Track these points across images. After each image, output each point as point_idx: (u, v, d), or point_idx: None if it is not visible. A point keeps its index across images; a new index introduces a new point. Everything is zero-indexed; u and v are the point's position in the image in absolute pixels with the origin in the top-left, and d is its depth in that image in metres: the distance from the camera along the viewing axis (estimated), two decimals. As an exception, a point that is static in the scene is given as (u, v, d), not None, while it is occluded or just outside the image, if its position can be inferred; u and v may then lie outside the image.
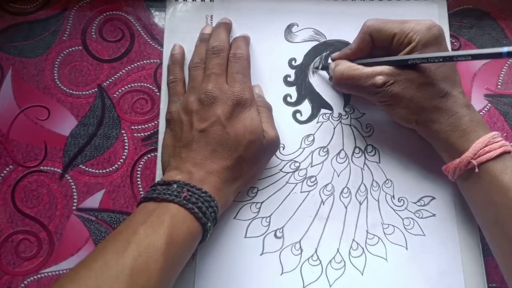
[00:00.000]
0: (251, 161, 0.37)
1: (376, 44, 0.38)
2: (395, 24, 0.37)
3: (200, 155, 0.35)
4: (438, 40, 0.36)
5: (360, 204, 0.40)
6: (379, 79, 0.36)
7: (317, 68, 0.44)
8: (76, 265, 0.28)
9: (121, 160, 0.42)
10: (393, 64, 0.37)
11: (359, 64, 0.39)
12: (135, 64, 0.44)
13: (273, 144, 0.38)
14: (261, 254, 0.39)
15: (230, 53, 0.40)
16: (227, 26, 0.43)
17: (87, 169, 0.41)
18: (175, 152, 0.37)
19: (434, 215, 0.40)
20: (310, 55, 0.44)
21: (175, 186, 0.32)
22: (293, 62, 0.44)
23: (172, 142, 0.37)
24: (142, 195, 0.35)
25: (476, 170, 0.35)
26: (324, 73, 0.44)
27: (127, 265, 0.27)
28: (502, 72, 0.46)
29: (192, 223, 0.31)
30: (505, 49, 0.30)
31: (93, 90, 0.43)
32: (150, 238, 0.29)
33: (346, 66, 0.39)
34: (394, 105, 0.37)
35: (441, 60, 0.34)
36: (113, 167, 0.41)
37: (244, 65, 0.39)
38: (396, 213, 0.40)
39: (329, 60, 0.43)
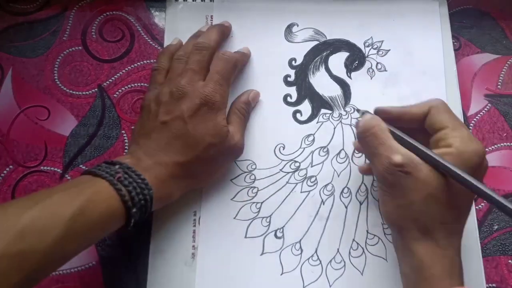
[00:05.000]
0: (207, 162, 0.37)
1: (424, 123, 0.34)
2: (455, 120, 0.33)
3: (154, 145, 0.35)
4: (475, 168, 0.31)
5: (361, 204, 0.40)
6: (398, 158, 0.30)
7: (358, 111, 0.38)
8: None
9: (121, 160, 0.42)
10: (421, 155, 0.31)
11: (393, 133, 0.33)
12: (135, 64, 0.44)
13: (236, 150, 0.38)
14: (261, 254, 0.39)
15: (219, 52, 0.39)
16: (221, 28, 0.42)
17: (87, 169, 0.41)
18: (135, 138, 0.37)
19: (434, 215, 0.40)
20: (310, 55, 0.44)
21: (117, 167, 0.33)
22: (293, 62, 0.44)
23: (138, 129, 0.38)
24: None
25: None
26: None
27: (21, 222, 0.27)
28: (502, 72, 0.46)
29: (115, 203, 0.31)
30: None
31: (93, 90, 0.43)
32: (59, 206, 0.29)
33: (381, 125, 0.33)
34: (389, 198, 0.32)
35: (464, 182, 0.29)
36: (113, 167, 0.41)
37: (228, 68, 0.38)
38: (396, 213, 0.40)
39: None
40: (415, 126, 0.35)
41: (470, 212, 0.40)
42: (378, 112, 0.36)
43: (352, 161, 0.41)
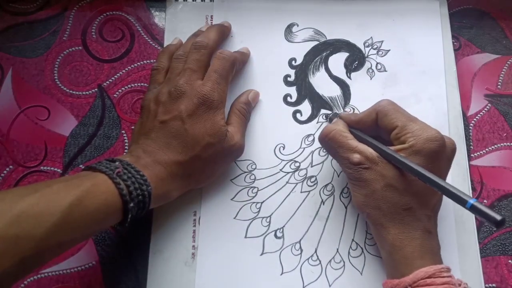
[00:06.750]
0: (206, 161, 0.37)
1: (378, 126, 0.37)
2: (403, 117, 0.35)
3: (154, 144, 0.35)
4: (434, 155, 0.33)
5: (360, 204, 0.40)
6: (356, 157, 0.34)
7: (326, 117, 0.43)
8: None
9: (121, 160, 0.42)
10: (378, 151, 0.34)
11: (354, 133, 0.37)
12: (135, 64, 0.44)
13: (236, 150, 0.38)
14: (261, 254, 0.39)
15: (217, 51, 0.39)
16: (221, 28, 0.42)
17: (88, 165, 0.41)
18: (135, 138, 0.37)
19: (434, 215, 0.40)
20: (310, 55, 0.45)
21: (117, 163, 0.33)
22: (293, 62, 0.44)
23: (138, 129, 0.38)
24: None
25: None
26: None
27: (19, 207, 0.27)
28: (502, 72, 0.46)
29: (113, 197, 0.31)
30: (471, 201, 0.29)
31: (93, 90, 0.43)
32: (57, 195, 0.29)
33: (337, 128, 0.37)
34: (357, 188, 0.35)
35: (413, 174, 0.32)
36: (113, 167, 0.41)
37: (226, 66, 0.38)
38: (396, 213, 0.40)
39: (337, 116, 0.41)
40: (373, 130, 0.37)
41: (469, 213, 0.40)
42: (342, 118, 0.39)
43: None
